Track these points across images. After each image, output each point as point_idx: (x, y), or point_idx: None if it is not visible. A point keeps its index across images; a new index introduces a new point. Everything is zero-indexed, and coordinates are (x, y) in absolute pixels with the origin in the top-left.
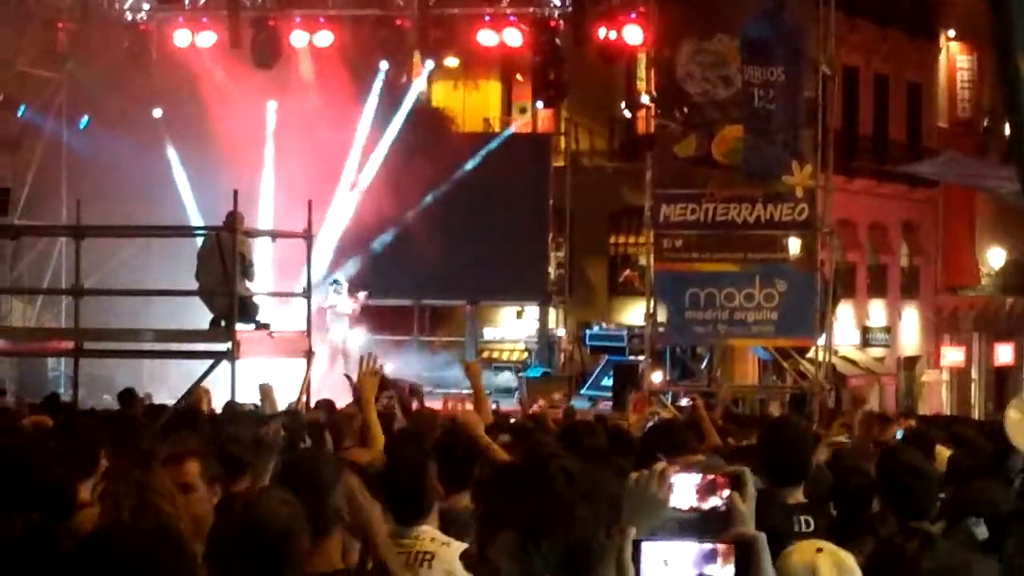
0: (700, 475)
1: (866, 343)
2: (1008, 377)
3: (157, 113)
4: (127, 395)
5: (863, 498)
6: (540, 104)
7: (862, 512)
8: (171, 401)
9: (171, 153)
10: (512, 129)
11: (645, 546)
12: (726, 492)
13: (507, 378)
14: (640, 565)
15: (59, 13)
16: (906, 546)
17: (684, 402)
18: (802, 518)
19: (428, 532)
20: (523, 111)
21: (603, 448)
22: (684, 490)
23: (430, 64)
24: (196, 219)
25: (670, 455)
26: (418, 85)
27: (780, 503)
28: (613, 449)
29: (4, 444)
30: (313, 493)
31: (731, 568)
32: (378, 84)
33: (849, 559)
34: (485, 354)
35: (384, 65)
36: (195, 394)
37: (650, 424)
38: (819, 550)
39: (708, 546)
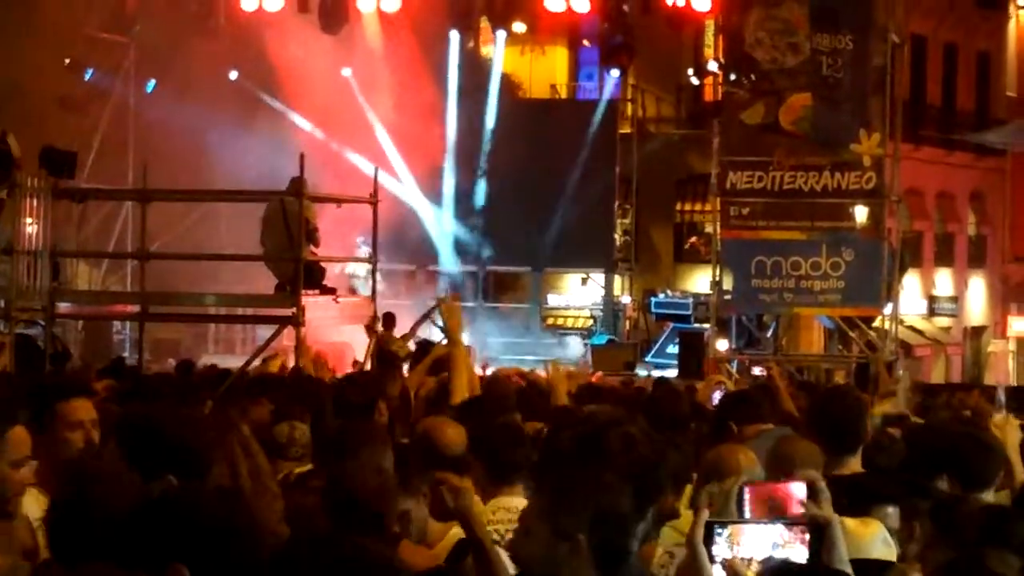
0: (778, 527)
1: (932, 312)
2: None
3: (233, 75)
4: (185, 366)
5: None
6: (607, 71)
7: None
8: (236, 364)
9: (238, 116)
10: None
11: (719, 529)
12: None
13: (572, 344)
14: (712, 546)
15: None
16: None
17: (757, 371)
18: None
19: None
20: (590, 77)
21: (684, 415)
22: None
23: (502, 34)
24: (265, 184)
25: (741, 424)
26: (489, 52)
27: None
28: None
29: (138, 409)
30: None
31: (804, 550)
32: (454, 52)
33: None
34: (550, 320)
35: (455, 33)
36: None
37: (721, 393)
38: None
39: (782, 527)
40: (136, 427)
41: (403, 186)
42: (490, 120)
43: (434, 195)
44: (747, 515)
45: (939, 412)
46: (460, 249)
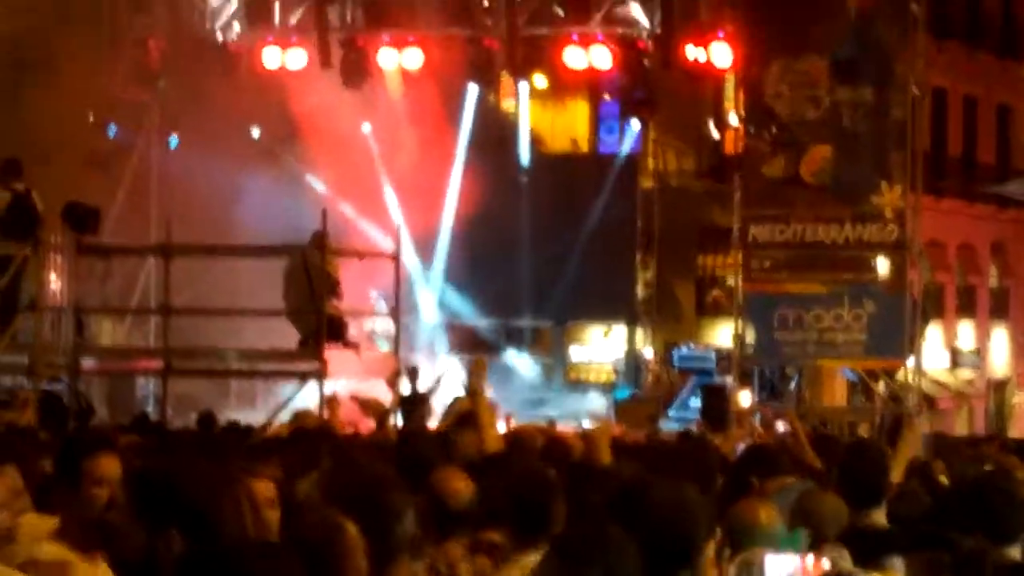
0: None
1: (955, 365)
2: None
3: (255, 133)
4: (207, 419)
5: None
6: (628, 124)
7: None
8: (259, 420)
9: (259, 172)
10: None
11: None
12: None
13: (594, 398)
14: None
15: (150, 33)
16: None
17: (781, 427)
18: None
19: None
20: (611, 131)
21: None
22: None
23: (525, 86)
24: (285, 239)
25: (763, 478)
26: (509, 106)
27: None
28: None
29: (154, 465)
30: (378, 519)
31: None
32: (471, 104)
33: None
34: (572, 374)
35: (473, 86)
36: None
37: (743, 447)
38: None
39: None
40: (146, 481)
41: (418, 240)
42: (515, 173)
43: (454, 248)
44: None
45: (965, 466)
46: (479, 303)
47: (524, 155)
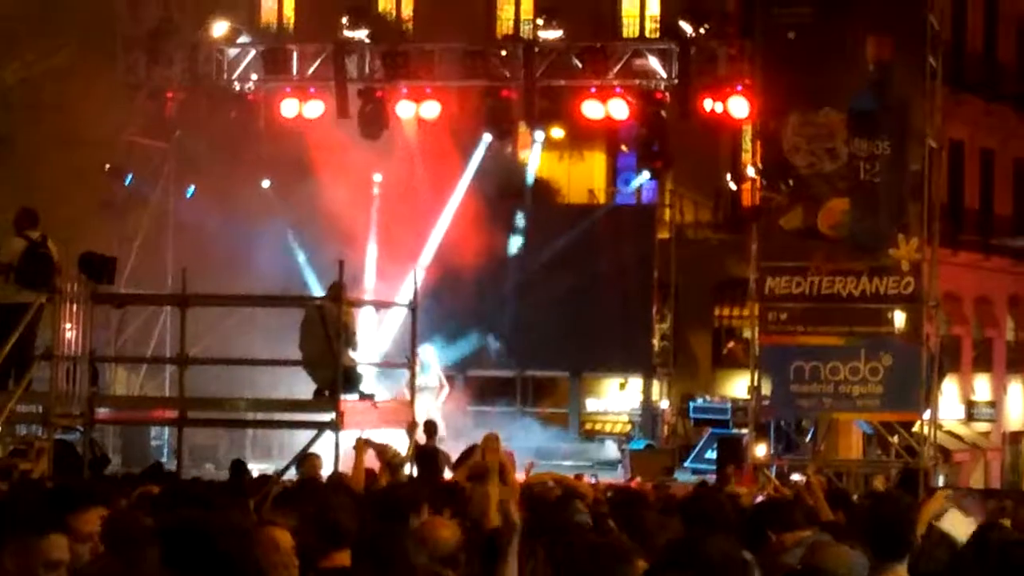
0: None
1: (971, 417)
2: None
3: (265, 184)
4: (238, 466)
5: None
6: (645, 175)
7: None
8: (274, 470)
9: (276, 223)
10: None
11: None
12: None
13: (610, 449)
14: None
15: (168, 83)
16: None
17: (796, 477)
18: None
19: None
20: (628, 182)
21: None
22: None
23: (540, 135)
24: (301, 289)
25: (779, 531)
26: (526, 157)
27: None
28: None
29: (186, 515)
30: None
31: None
32: (478, 154)
33: None
34: (588, 425)
35: (487, 136)
36: (309, 463)
37: (759, 499)
38: None
39: None
40: (182, 533)
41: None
42: (524, 223)
43: (470, 297)
44: None
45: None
46: (497, 354)
47: (529, 203)
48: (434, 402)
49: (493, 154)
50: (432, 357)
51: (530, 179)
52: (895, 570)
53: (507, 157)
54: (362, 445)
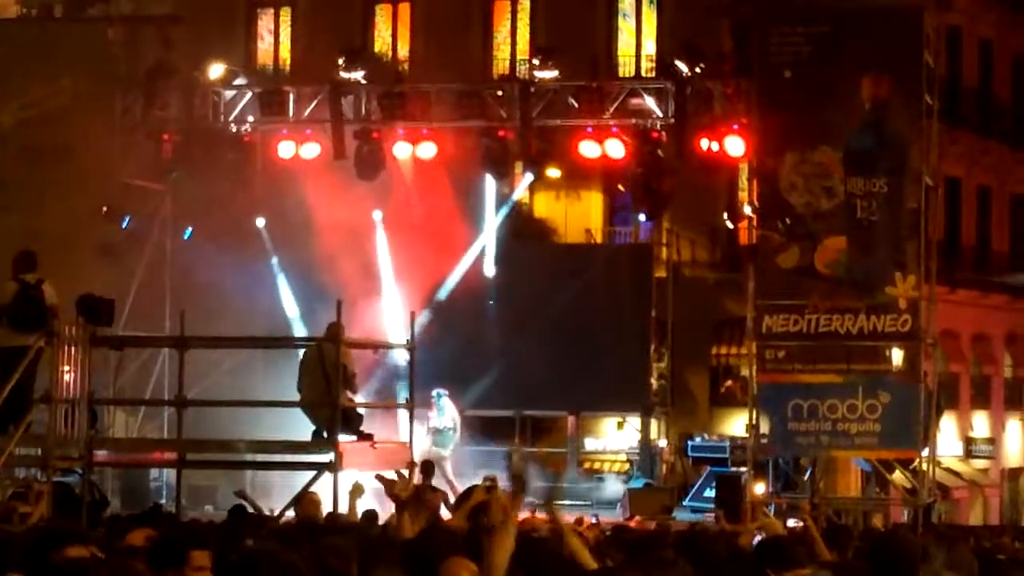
0: None
1: (969, 454)
2: None
3: (260, 223)
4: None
5: None
6: (642, 215)
7: None
8: (274, 512)
9: (274, 264)
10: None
11: None
12: None
13: (609, 488)
14: None
15: (164, 125)
16: None
17: (791, 523)
18: None
19: None
20: (625, 222)
21: (724, 560)
22: None
23: (529, 177)
24: (299, 330)
25: (779, 570)
26: (519, 196)
27: None
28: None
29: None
30: None
31: None
32: (482, 196)
33: None
34: (587, 464)
35: (488, 177)
36: (307, 501)
37: (758, 539)
38: None
39: None
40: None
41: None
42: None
43: (468, 337)
44: None
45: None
46: (496, 393)
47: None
48: (449, 448)
49: (494, 195)
50: (446, 400)
51: (504, 213)
52: None
53: (504, 197)
54: (357, 490)
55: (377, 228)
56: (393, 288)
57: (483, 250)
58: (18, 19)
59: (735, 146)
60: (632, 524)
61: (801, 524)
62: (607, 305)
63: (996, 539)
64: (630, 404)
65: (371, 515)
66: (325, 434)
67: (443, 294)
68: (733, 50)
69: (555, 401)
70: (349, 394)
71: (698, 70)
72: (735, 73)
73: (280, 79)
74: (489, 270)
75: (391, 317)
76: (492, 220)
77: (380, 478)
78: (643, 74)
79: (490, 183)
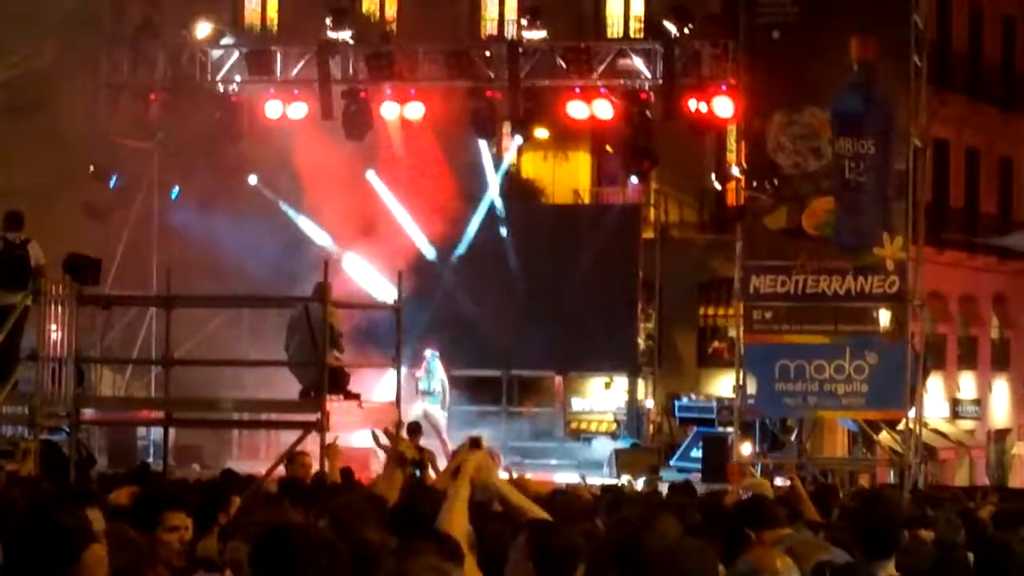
0: None
1: (956, 415)
2: None
3: (253, 180)
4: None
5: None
6: (634, 176)
7: None
8: (261, 471)
9: (260, 223)
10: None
11: None
12: None
13: (596, 449)
14: None
15: (151, 84)
16: None
17: (779, 481)
18: None
19: None
20: (612, 182)
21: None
22: None
23: (519, 139)
24: (286, 289)
25: (759, 530)
26: (508, 157)
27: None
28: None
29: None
30: None
31: None
32: (474, 156)
33: None
34: (573, 424)
35: (478, 138)
36: (299, 461)
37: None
38: None
39: None
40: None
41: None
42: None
43: (455, 298)
44: None
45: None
46: (483, 353)
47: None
48: (441, 410)
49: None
50: (437, 362)
51: (499, 175)
52: (884, 568)
53: (492, 158)
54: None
55: (367, 187)
56: (381, 247)
57: (477, 210)
58: None
59: (723, 107)
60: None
61: (788, 484)
62: (595, 266)
63: (981, 500)
64: (617, 364)
65: (349, 473)
66: (312, 394)
67: (431, 254)
68: (722, 11)
69: (542, 361)
70: (336, 353)
71: (686, 31)
72: (723, 34)
73: (268, 39)
74: (492, 231)
75: (378, 277)
76: (493, 181)
77: (388, 434)
78: (631, 35)
79: (485, 143)
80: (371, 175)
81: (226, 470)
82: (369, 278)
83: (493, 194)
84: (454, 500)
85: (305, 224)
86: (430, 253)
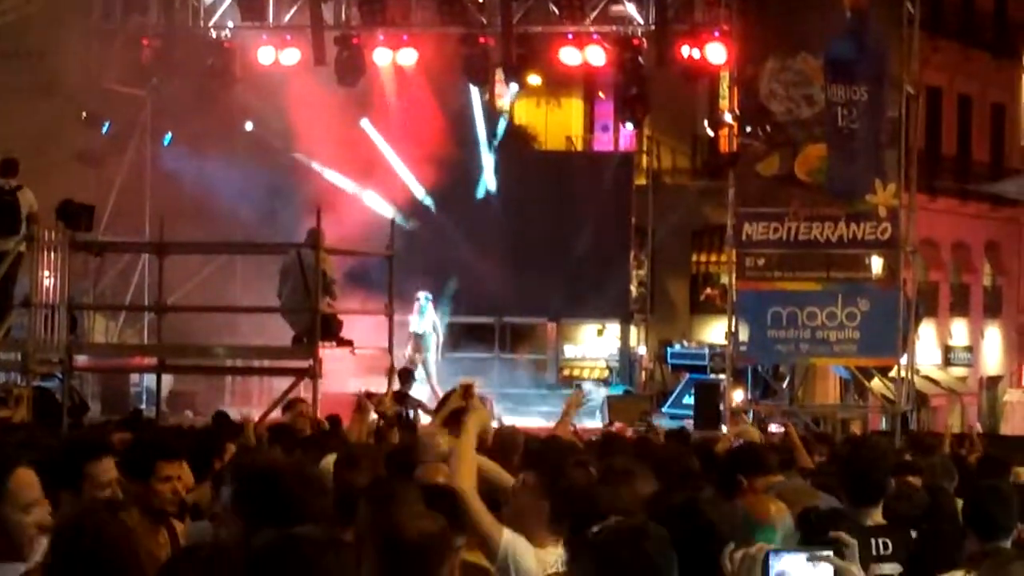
0: (803, 552)
1: (948, 362)
2: None
3: (248, 126)
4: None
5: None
6: (629, 123)
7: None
8: (254, 417)
9: (254, 169)
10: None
11: None
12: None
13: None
14: None
15: (144, 30)
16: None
17: (773, 428)
18: (879, 540)
19: None
20: (605, 129)
21: (695, 472)
22: (788, 567)
23: (515, 87)
24: (279, 236)
25: (751, 477)
26: (504, 105)
27: (856, 524)
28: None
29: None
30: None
31: None
32: (467, 103)
33: None
34: (566, 371)
35: (471, 84)
36: (297, 409)
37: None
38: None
39: None
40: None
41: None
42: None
43: (447, 244)
44: None
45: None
46: (475, 299)
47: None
48: (433, 353)
49: (479, 102)
50: (429, 304)
51: (501, 126)
52: (871, 514)
53: (485, 105)
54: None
55: (360, 133)
56: (373, 193)
57: (470, 157)
58: None
59: (716, 53)
60: (615, 429)
61: (783, 431)
62: (587, 212)
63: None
64: (610, 311)
65: (336, 421)
66: (304, 340)
67: (426, 199)
68: None
69: (535, 308)
70: (329, 300)
71: None
72: None
73: None
74: (489, 180)
75: (371, 223)
76: (485, 128)
77: (368, 394)
78: None
79: (477, 90)
80: (365, 123)
81: (219, 413)
82: (362, 224)
83: (486, 141)
84: (461, 460)
85: (298, 170)
86: (423, 200)
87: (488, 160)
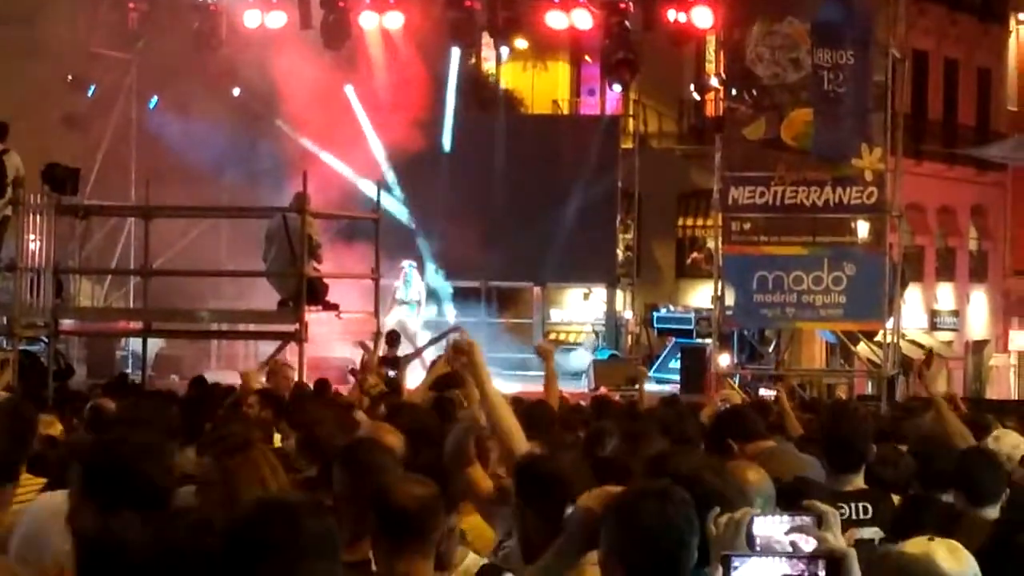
0: (786, 517)
1: (934, 327)
2: None
3: (236, 92)
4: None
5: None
6: (609, 86)
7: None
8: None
9: (239, 132)
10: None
11: (736, 563)
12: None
13: (575, 359)
14: None
15: None
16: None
17: (763, 392)
18: (858, 505)
19: None
20: (592, 93)
21: (694, 435)
22: (771, 532)
23: (505, 51)
24: (265, 200)
25: (740, 441)
26: (491, 68)
27: (830, 491)
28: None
29: (103, 441)
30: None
31: None
32: (454, 67)
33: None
34: (552, 335)
35: (455, 48)
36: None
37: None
38: (931, 539)
39: (797, 562)
40: (99, 458)
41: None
42: (493, 135)
43: (433, 209)
44: (758, 547)
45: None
46: (462, 264)
47: (501, 116)
48: (416, 317)
49: (456, 66)
50: (415, 272)
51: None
52: (852, 481)
53: (470, 68)
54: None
55: (346, 97)
56: (360, 156)
57: (445, 120)
58: None
59: (702, 17)
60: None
61: (773, 396)
62: (574, 176)
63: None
64: (596, 275)
65: (325, 385)
66: (290, 304)
67: (410, 164)
68: None
69: (521, 272)
70: (315, 264)
71: None
72: None
73: None
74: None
75: (357, 186)
76: (452, 91)
77: (362, 344)
78: None
79: (455, 54)
80: (349, 88)
81: (196, 378)
82: (348, 187)
83: (472, 105)
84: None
85: (283, 135)
86: (409, 163)
87: (472, 124)
